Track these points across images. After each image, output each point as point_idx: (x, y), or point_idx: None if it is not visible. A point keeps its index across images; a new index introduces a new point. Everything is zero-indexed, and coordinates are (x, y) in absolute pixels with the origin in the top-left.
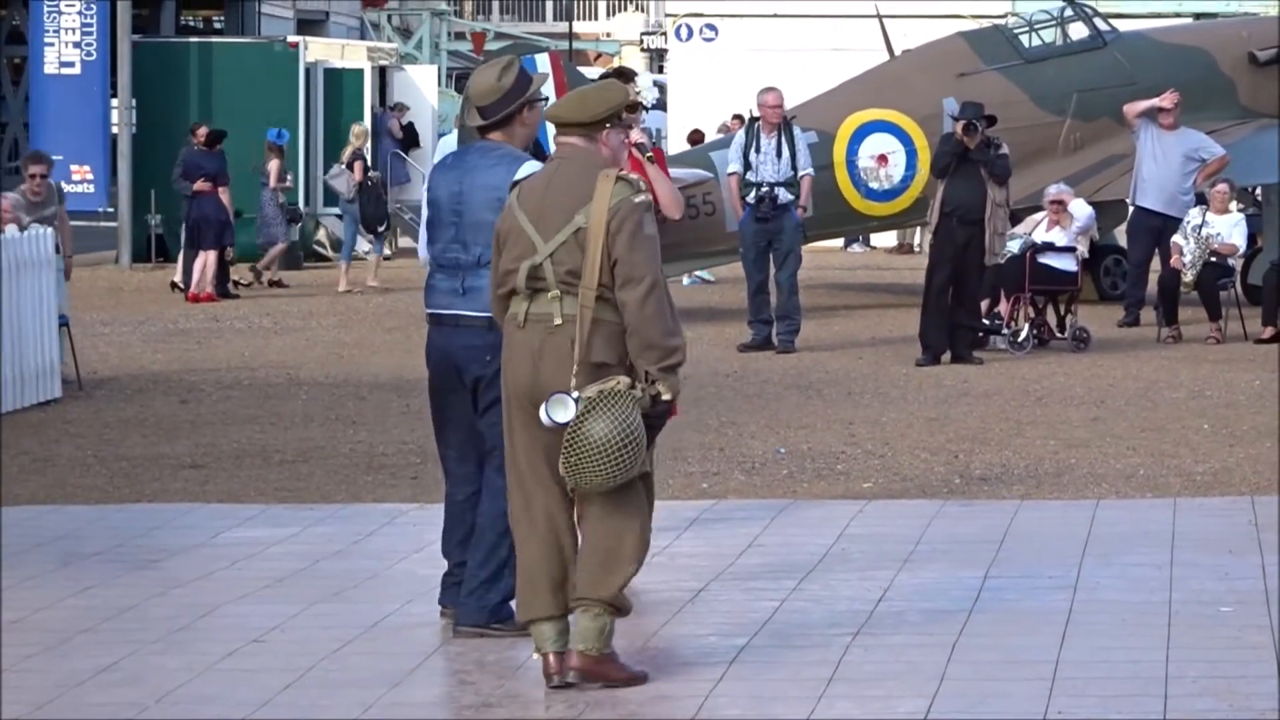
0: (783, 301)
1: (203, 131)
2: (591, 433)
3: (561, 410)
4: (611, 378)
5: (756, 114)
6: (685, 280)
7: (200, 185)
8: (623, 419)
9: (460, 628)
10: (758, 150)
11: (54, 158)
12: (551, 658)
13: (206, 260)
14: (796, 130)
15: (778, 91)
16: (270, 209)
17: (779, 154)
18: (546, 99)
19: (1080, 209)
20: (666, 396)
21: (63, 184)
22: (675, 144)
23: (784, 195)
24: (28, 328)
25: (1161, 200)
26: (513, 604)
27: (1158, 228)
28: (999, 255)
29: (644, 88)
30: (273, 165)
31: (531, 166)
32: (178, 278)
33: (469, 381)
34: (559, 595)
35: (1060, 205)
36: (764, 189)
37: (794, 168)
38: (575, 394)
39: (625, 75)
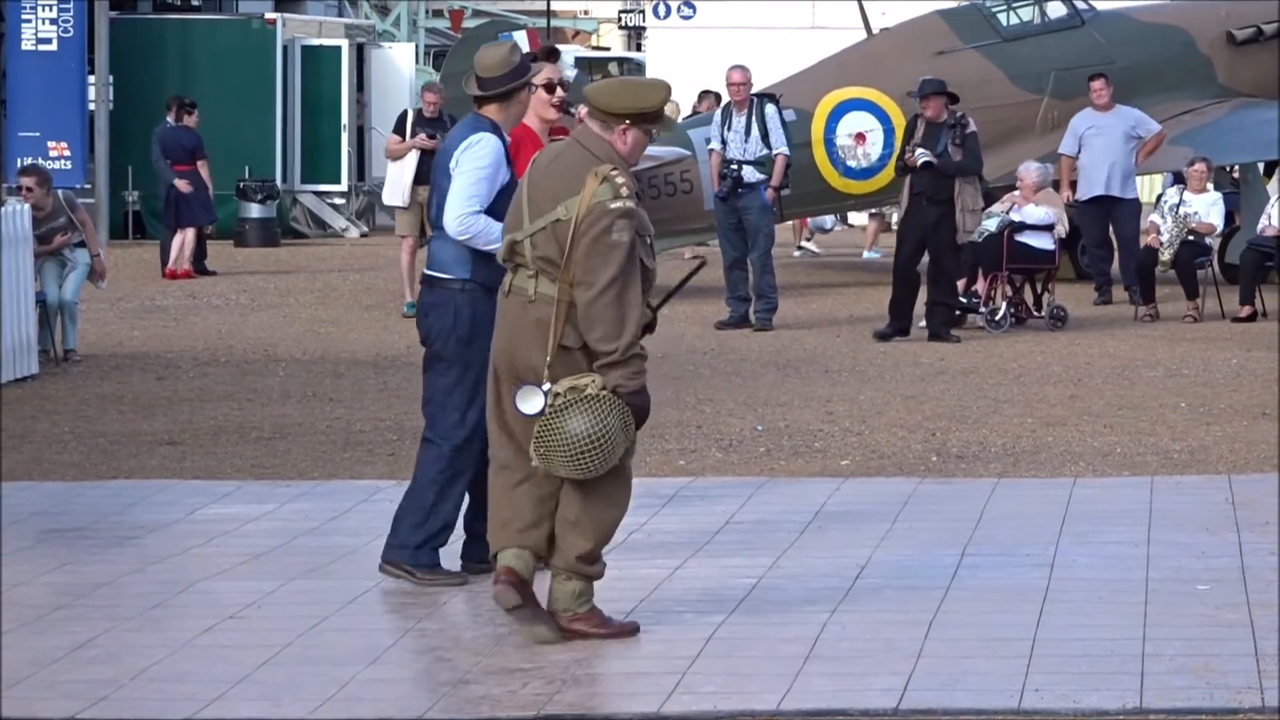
0: (757, 280)
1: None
2: (566, 428)
3: (528, 402)
4: (585, 375)
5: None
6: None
7: (181, 185)
8: (600, 420)
9: (383, 565)
10: (729, 128)
11: (31, 134)
12: (503, 569)
13: (185, 237)
14: (770, 108)
15: (743, 69)
16: None
17: (748, 132)
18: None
19: (1054, 197)
20: (625, 387)
21: (72, 194)
22: None
23: (751, 174)
24: (4, 304)
25: (1105, 184)
26: (439, 551)
27: (1106, 209)
28: (972, 233)
29: (565, 65)
30: None
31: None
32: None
33: None
34: (530, 533)
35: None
36: (730, 167)
37: (767, 146)
38: (546, 385)
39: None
